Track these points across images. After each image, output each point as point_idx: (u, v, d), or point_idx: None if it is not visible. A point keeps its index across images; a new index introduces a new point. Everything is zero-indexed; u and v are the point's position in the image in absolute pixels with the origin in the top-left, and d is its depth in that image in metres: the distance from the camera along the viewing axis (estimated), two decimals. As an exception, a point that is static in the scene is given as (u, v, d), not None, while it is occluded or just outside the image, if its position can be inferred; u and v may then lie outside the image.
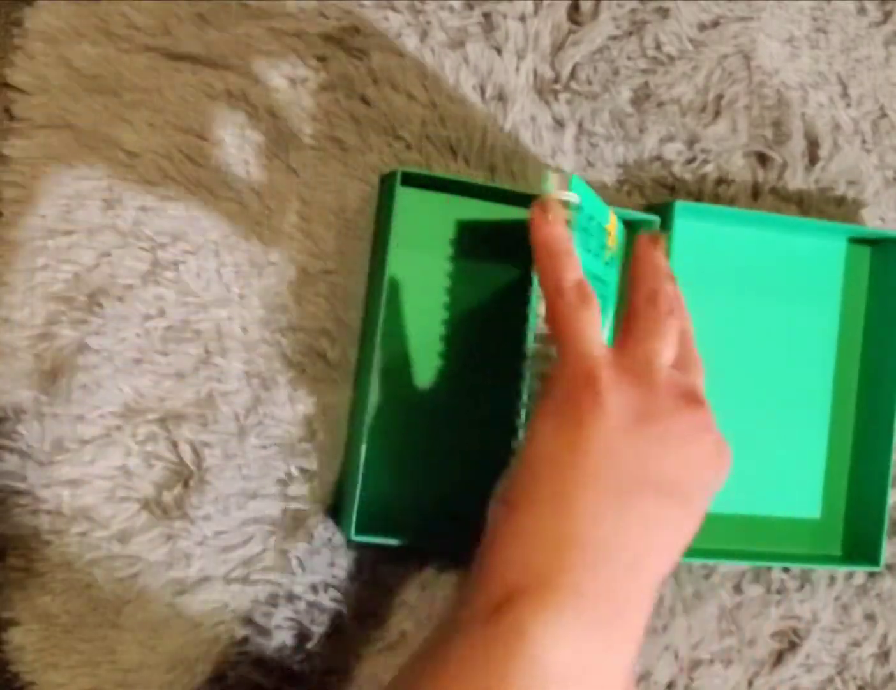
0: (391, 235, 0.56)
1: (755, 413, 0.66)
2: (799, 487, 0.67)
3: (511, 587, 0.35)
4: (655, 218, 0.61)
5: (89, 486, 0.55)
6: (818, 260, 0.67)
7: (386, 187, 0.59)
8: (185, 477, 0.57)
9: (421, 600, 0.60)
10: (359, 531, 0.55)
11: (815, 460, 0.67)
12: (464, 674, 0.32)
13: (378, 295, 0.56)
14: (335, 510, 0.59)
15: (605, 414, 0.38)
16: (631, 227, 0.62)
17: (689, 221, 0.63)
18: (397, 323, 0.59)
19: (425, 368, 0.60)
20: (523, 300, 0.60)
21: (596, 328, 0.41)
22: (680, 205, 0.60)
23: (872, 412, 0.67)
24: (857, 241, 0.68)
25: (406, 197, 0.58)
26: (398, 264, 0.58)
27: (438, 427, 0.60)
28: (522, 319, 0.60)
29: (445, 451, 0.60)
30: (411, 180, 0.58)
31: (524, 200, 0.60)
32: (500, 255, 0.61)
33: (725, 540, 0.65)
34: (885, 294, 0.67)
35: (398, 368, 0.59)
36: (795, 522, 0.67)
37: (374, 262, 0.59)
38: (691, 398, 0.41)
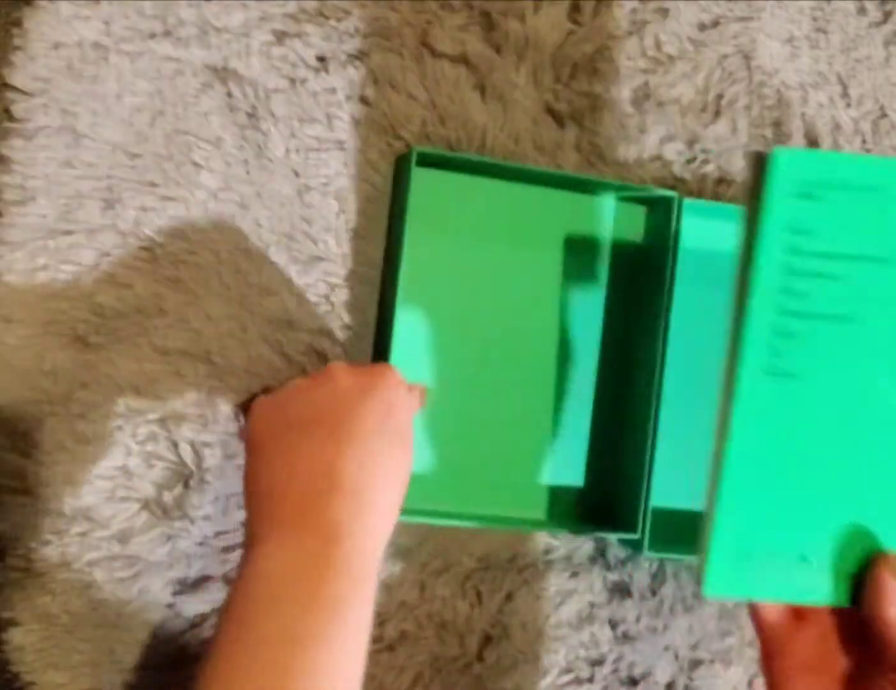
0: (407, 216, 0.56)
1: None
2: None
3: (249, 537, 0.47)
4: (672, 194, 0.61)
5: (89, 486, 0.55)
6: None
7: (401, 169, 0.59)
8: (185, 477, 0.57)
9: (421, 600, 0.60)
10: None
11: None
12: (231, 590, 0.45)
13: (394, 278, 0.56)
14: None
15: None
16: (650, 205, 0.63)
17: (695, 217, 0.63)
18: (415, 304, 0.59)
19: (445, 349, 0.60)
20: (546, 279, 0.62)
21: None
22: (688, 203, 0.61)
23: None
24: None
25: (422, 178, 0.58)
26: (415, 244, 0.58)
27: (457, 408, 0.60)
28: (544, 299, 0.62)
29: (465, 431, 0.60)
30: (427, 161, 0.58)
31: (543, 178, 0.61)
32: (519, 235, 0.62)
33: None
34: None
35: (417, 349, 0.59)
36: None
37: (389, 245, 0.59)
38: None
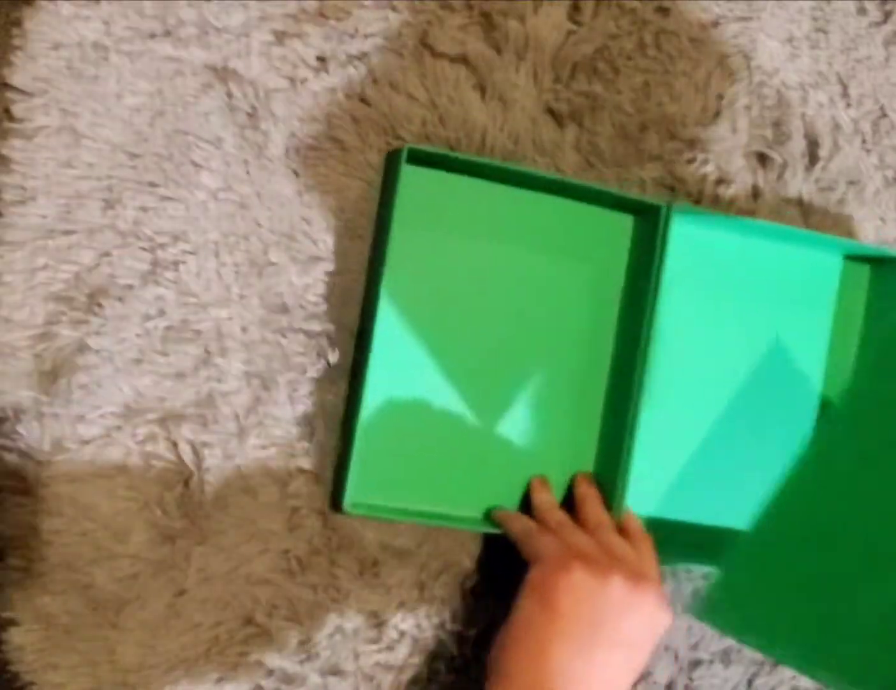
0: (394, 213, 0.56)
1: (737, 424, 0.65)
2: None
3: None
4: (660, 202, 0.61)
5: (89, 485, 0.55)
6: (813, 273, 0.66)
7: (392, 166, 0.58)
8: (185, 477, 0.57)
9: (421, 600, 0.60)
10: (355, 506, 0.56)
11: None
12: None
13: (379, 274, 0.56)
14: (333, 493, 0.59)
15: (572, 590, 0.53)
16: (639, 211, 0.63)
17: (685, 226, 0.62)
18: (399, 303, 0.59)
19: (428, 351, 0.60)
20: (533, 282, 0.61)
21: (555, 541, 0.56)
22: (677, 208, 0.60)
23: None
24: (854, 258, 0.67)
25: (411, 176, 0.58)
26: (402, 243, 0.57)
27: (438, 408, 0.60)
28: (531, 302, 0.61)
29: (444, 429, 0.60)
30: (418, 159, 0.58)
31: (535, 181, 0.60)
32: (508, 237, 0.61)
33: (703, 547, 0.64)
34: (881, 313, 0.66)
35: (399, 350, 0.59)
36: None
37: (376, 242, 0.59)
38: (637, 576, 0.55)
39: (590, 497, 0.61)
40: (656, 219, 0.61)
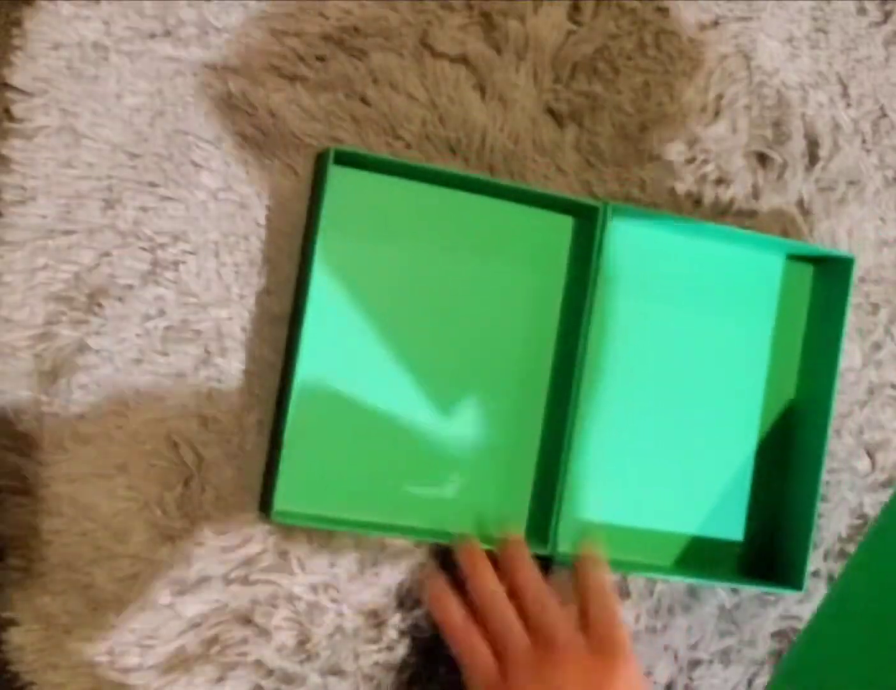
0: (321, 217, 0.55)
1: (681, 425, 0.65)
2: (724, 507, 0.66)
3: None
4: (597, 203, 0.60)
5: (89, 486, 0.55)
6: (755, 274, 0.66)
7: (319, 168, 0.58)
8: (185, 477, 0.57)
9: (420, 599, 0.60)
10: (283, 514, 0.56)
11: (741, 481, 0.66)
12: None
13: (307, 279, 0.55)
14: (262, 498, 0.58)
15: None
16: (578, 213, 0.62)
17: (625, 226, 0.62)
18: (328, 307, 0.57)
19: (360, 353, 0.59)
20: (466, 286, 0.61)
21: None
22: (616, 208, 0.60)
23: (803, 431, 0.66)
24: (797, 258, 0.66)
25: (340, 178, 0.57)
26: (329, 248, 0.56)
27: (372, 414, 0.59)
28: (463, 306, 0.60)
29: (379, 435, 0.59)
30: (347, 160, 0.57)
31: (473, 184, 0.60)
32: (445, 240, 0.60)
33: (659, 556, 0.64)
34: (824, 313, 0.65)
35: (329, 355, 0.58)
36: (720, 543, 0.66)
37: (304, 248, 0.58)
38: (595, 660, 0.52)
39: (519, 563, 0.57)
40: (595, 220, 0.60)
